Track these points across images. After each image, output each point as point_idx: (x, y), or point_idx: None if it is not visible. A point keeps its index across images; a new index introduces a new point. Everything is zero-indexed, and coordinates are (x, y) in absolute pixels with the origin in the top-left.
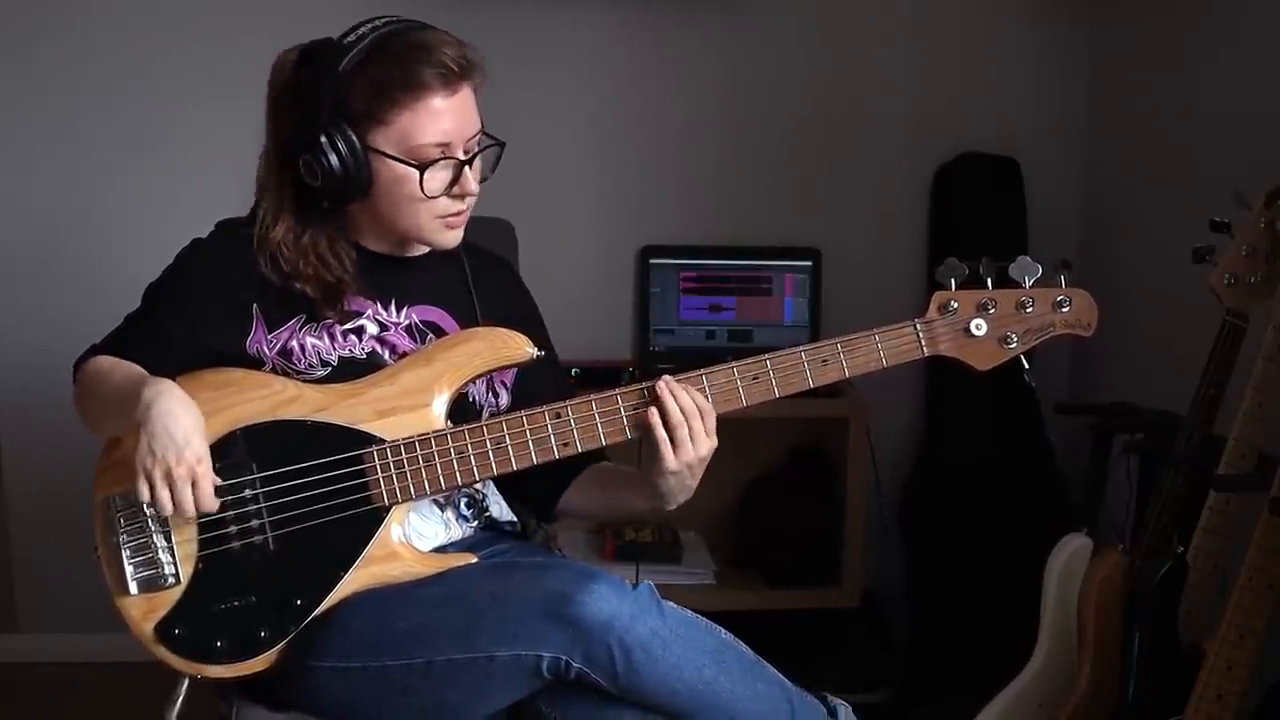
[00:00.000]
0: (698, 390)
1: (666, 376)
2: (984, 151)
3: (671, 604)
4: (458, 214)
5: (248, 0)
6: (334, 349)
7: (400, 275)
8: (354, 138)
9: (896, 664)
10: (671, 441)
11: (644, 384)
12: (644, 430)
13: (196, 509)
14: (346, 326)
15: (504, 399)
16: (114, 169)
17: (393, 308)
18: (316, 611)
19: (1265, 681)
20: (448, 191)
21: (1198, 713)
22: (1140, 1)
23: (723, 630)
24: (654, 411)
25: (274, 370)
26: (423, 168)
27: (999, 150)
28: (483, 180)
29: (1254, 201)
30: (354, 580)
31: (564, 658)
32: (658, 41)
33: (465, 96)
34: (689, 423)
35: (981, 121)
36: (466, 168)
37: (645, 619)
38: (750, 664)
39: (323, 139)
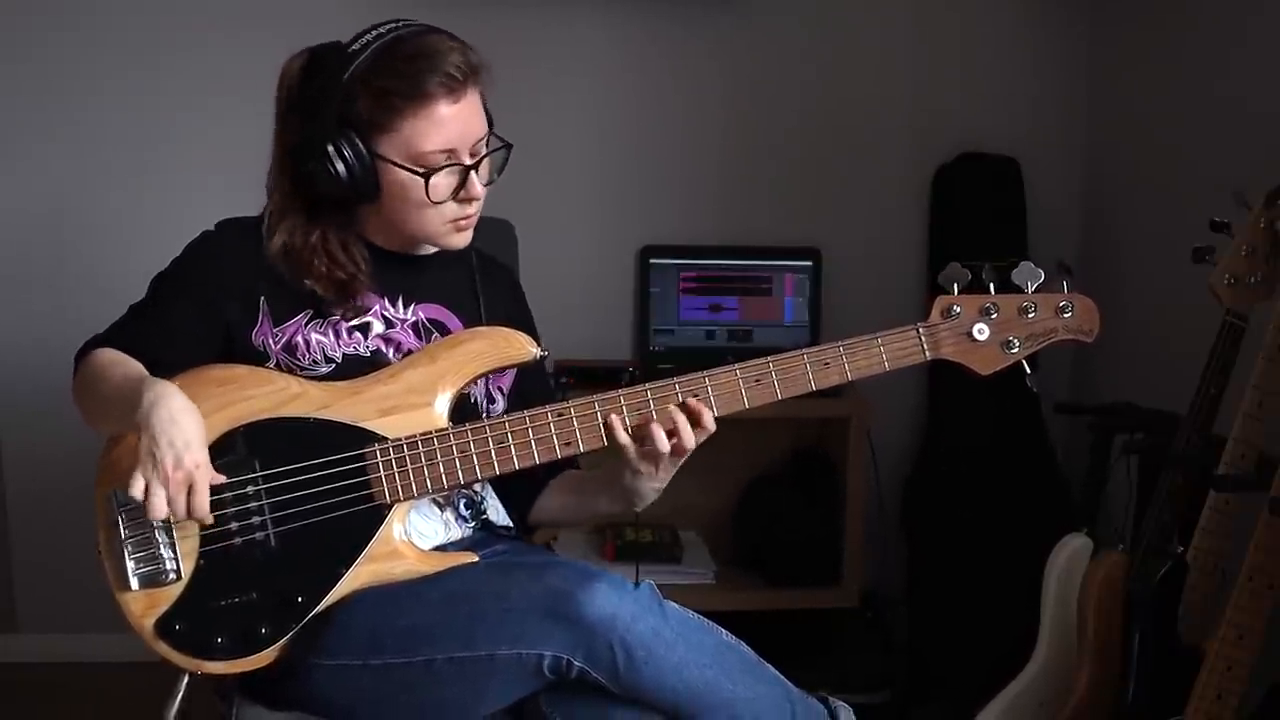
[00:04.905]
0: (696, 393)
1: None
2: (984, 151)
3: (673, 604)
4: (466, 217)
5: (252, 2)
6: (339, 346)
7: (409, 273)
8: (360, 145)
9: (896, 664)
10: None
11: (648, 385)
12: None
13: (190, 516)
14: (353, 323)
15: (500, 404)
16: (115, 169)
17: (400, 304)
18: (317, 609)
19: (1265, 681)
20: (454, 196)
21: (1198, 713)
22: (1140, 1)
23: (724, 631)
24: (616, 421)
25: (278, 365)
26: (428, 174)
27: (999, 150)
28: (490, 182)
29: (1254, 201)
30: (355, 578)
31: (565, 657)
32: (658, 41)
33: (470, 101)
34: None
35: (981, 121)
36: (473, 172)
37: (647, 618)
38: (751, 665)
39: (329, 147)
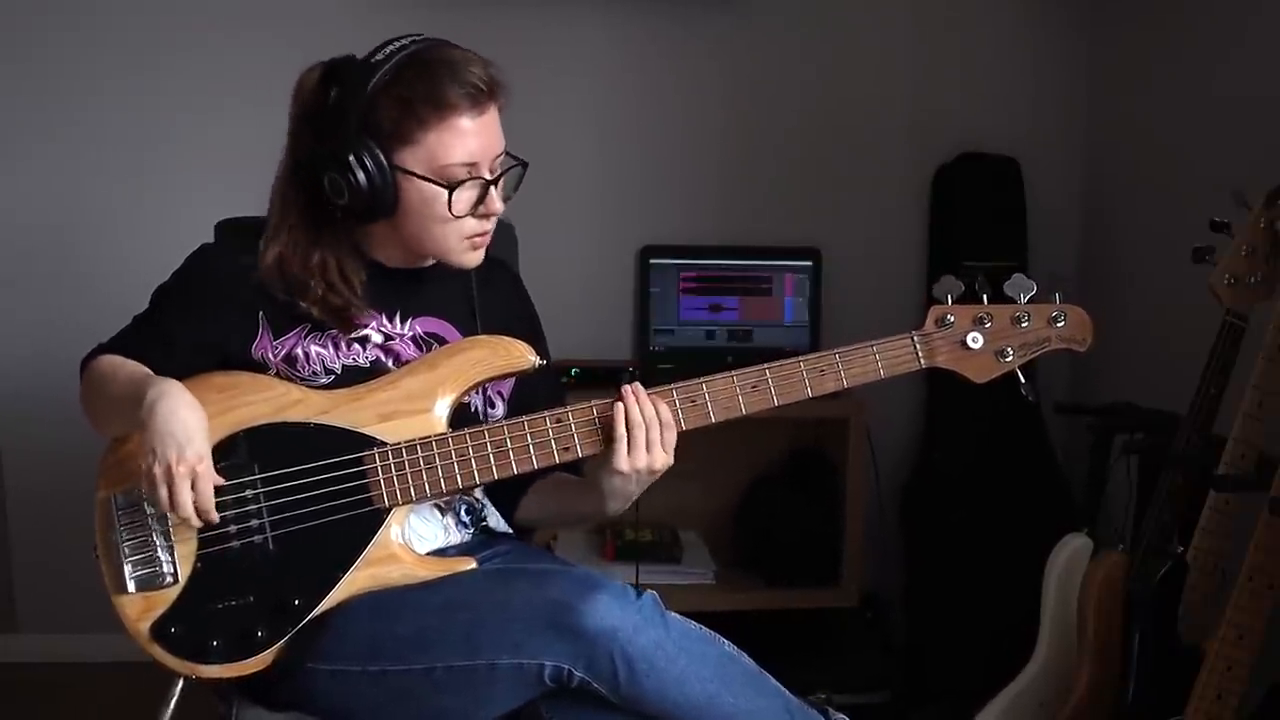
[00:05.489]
0: (694, 399)
1: (636, 384)
2: (984, 151)
3: (675, 615)
4: (483, 234)
5: (252, 2)
6: (338, 357)
7: (406, 288)
8: (381, 157)
9: (896, 664)
10: (629, 442)
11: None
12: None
13: (195, 511)
14: (351, 336)
15: (499, 409)
16: (115, 171)
17: (397, 320)
18: (314, 613)
19: (1265, 681)
20: (473, 211)
21: (1198, 713)
22: (1140, 1)
23: (726, 642)
24: (619, 408)
25: (278, 377)
26: (451, 188)
27: (999, 150)
28: (506, 199)
29: (1254, 201)
30: (352, 582)
31: (566, 667)
32: (658, 41)
33: (492, 116)
34: (648, 429)
35: (981, 121)
36: (492, 187)
37: (649, 630)
38: (752, 677)
39: (350, 157)
